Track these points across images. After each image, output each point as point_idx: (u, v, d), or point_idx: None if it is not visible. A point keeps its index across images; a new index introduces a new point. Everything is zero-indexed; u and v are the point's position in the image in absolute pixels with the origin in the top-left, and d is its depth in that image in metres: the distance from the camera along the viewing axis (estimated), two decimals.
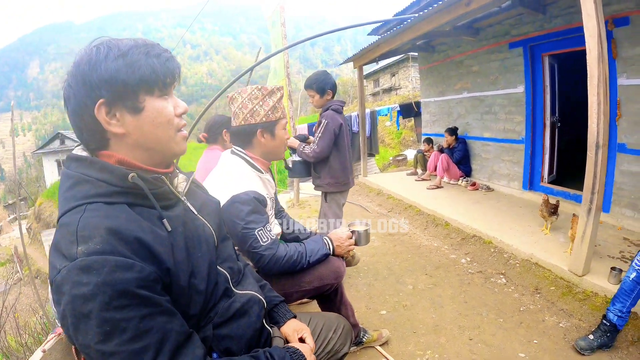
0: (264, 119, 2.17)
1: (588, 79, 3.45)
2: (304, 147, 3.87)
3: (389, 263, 4.72)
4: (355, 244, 2.51)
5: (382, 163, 14.74)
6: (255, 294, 1.56)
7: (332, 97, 3.96)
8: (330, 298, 2.57)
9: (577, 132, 7.20)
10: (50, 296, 2.27)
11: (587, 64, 3.45)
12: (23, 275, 14.69)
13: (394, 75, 29.65)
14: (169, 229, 1.18)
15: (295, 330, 1.72)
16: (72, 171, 1.12)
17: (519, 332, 3.24)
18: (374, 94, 32.29)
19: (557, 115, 6.70)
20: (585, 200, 3.61)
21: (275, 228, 2.43)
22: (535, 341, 3.11)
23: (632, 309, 2.90)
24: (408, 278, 4.29)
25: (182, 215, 1.28)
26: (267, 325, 1.61)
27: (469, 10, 4.89)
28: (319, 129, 3.76)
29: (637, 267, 2.81)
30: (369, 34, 9.84)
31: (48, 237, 12.07)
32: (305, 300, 3.44)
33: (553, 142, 6.76)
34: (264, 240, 2.04)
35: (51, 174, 33.41)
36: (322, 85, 3.86)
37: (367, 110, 11.10)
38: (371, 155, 11.93)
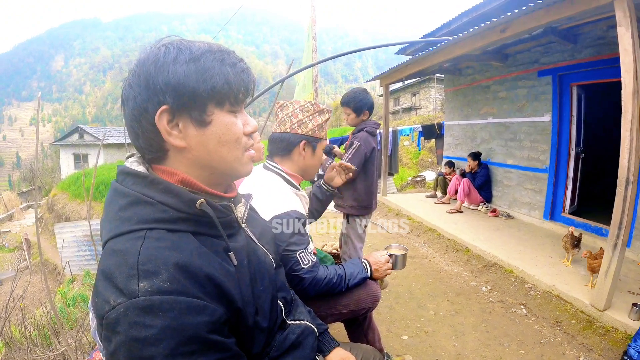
0: (309, 133, 2.15)
1: (622, 114, 3.46)
2: (330, 162, 3.73)
3: (410, 287, 4.71)
4: (392, 268, 2.46)
5: (400, 183, 14.71)
6: (310, 324, 1.48)
7: (368, 117, 3.83)
8: (359, 322, 2.54)
9: (600, 164, 7.17)
10: (92, 323, 2.23)
11: (622, 100, 3.46)
12: (31, 264, 14.81)
13: (414, 94, 29.62)
14: (236, 262, 1.07)
15: (343, 359, 1.66)
16: (128, 188, 1.00)
17: None
18: (394, 113, 32.24)
19: (582, 146, 6.67)
20: (612, 235, 3.60)
21: (310, 246, 2.37)
22: None
23: None
24: (429, 303, 4.29)
25: (245, 246, 1.17)
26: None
27: (504, 37, 4.93)
28: (350, 150, 3.63)
29: None
30: (396, 53, 9.90)
31: (61, 229, 12.10)
32: None
33: (576, 173, 6.72)
34: (305, 262, 1.97)
35: (67, 167, 33.26)
36: (360, 104, 3.69)
37: (390, 129, 11.12)
38: (391, 174, 11.90)
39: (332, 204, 4.04)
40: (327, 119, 2.23)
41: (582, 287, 4.22)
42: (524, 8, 4.27)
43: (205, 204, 1.01)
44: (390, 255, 2.44)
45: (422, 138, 12.46)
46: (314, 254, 2.09)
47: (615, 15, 3.49)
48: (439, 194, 9.38)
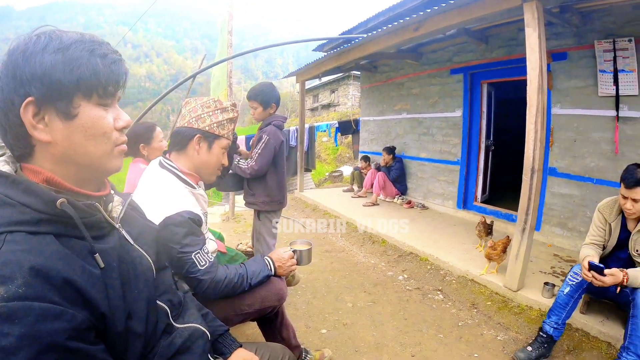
0: (206, 128, 2.07)
1: (527, 108, 3.68)
2: (238, 160, 3.64)
3: (327, 280, 4.67)
4: (297, 264, 2.42)
5: (318, 178, 14.78)
6: (199, 326, 1.44)
7: (275, 111, 3.78)
8: (271, 320, 2.49)
9: (509, 155, 7.60)
10: None
11: (527, 95, 3.68)
12: None
13: (333, 91, 29.88)
14: (102, 265, 1.01)
15: None
16: None
17: (459, 346, 3.31)
18: (313, 109, 32.39)
19: (491, 139, 7.08)
20: (520, 221, 3.83)
21: (209, 245, 2.28)
22: (475, 355, 3.19)
23: (567, 321, 3.07)
24: (347, 296, 4.26)
25: (117, 247, 1.12)
26: (211, 358, 1.49)
27: (417, 35, 5.06)
28: (259, 144, 3.55)
29: (570, 283, 3.02)
30: (313, 50, 9.90)
31: None
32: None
33: (487, 164, 7.13)
34: (201, 264, 1.92)
35: None
36: (267, 97, 3.66)
37: (306, 126, 11.11)
38: (308, 170, 11.92)
39: (243, 201, 3.93)
40: (232, 118, 2.18)
41: (491, 269, 4.41)
42: (436, 8, 4.39)
43: (66, 204, 0.95)
44: (294, 251, 2.40)
45: (339, 134, 12.59)
46: (226, 252, 2.01)
47: (524, 16, 3.69)
48: (355, 188, 9.49)
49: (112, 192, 1.21)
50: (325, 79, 28.29)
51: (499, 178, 7.98)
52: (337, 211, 7.52)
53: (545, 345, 3.05)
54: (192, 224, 1.93)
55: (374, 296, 4.25)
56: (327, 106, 30.38)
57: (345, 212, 7.29)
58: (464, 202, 7.21)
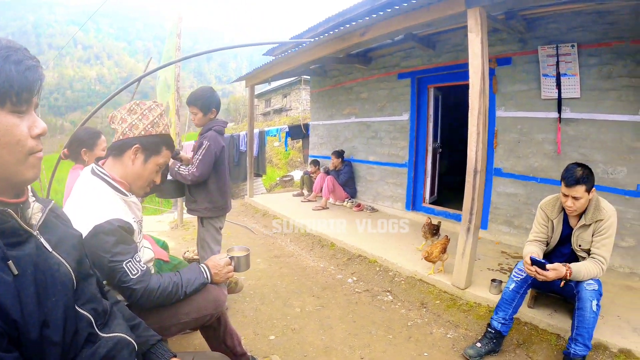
0: (142, 132, 2.03)
1: (469, 110, 3.77)
2: (179, 166, 3.52)
3: (275, 286, 4.59)
4: (235, 270, 2.38)
5: (269, 183, 14.69)
6: (124, 336, 1.40)
7: (216, 116, 3.70)
8: (214, 328, 2.43)
9: (458, 157, 7.77)
10: None
11: (470, 98, 3.77)
12: None
13: (285, 96, 29.94)
14: (16, 272, 0.99)
15: None
16: None
17: (409, 346, 3.32)
18: (265, 114, 32.33)
19: (439, 141, 7.22)
20: (465, 220, 3.90)
21: (145, 254, 2.24)
22: (425, 354, 3.21)
23: (515, 316, 3.16)
24: (295, 300, 4.20)
25: (33, 254, 1.09)
26: None
27: (363, 40, 5.09)
28: (200, 151, 3.45)
29: (515, 279, 3.09)
30: (264, 54, 9.86)
31: None
32: (187, 331, 3.20)
33: (434, 166, 7.28)
34: (133, 272, 1.86)
35: None
36: (207, 102, 3.57)
37: (256, 130, 11.03)
38: (258, 175, 11.84)
39: (186, 208, 3.82)
40: (160, 113, 2.13)
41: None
42: (382, 13, 4.43)
43: None
44: (231, 258, 2.36)
45: (290, 138, 12.56)
46: (169, 261, 1.93)
47: (468, 22, 3.76)
48: (305, 192, 9.46)
49: (33, 198, 1.20)
50: (277, 84, 28.32)
51: (448, 179, 8.15)
52: (286, 216, 7.43)
53: (494, 341, 3.11)
54: (123, 232, 1.88)
55: (323, 300, 4.21)
56: (280, 111, 30.42)
57: (295, 217, 7.22)
58: (413, 203, 7.30)
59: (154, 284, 1.93)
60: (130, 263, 1.85)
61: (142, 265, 1.93)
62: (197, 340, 3.19)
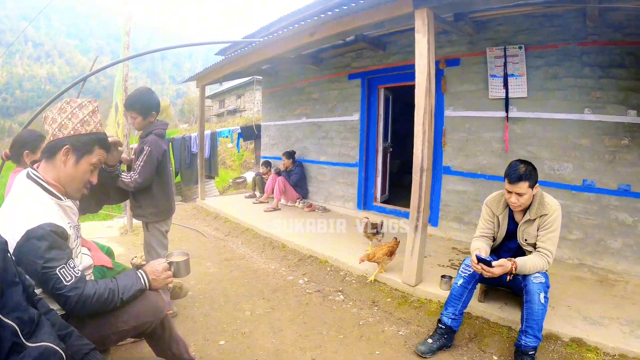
0: (71, 132, 1.97)
1: (415, 110, 3.83)
2: (120, 173, 3.35)
3: (225, 290, 4.49)
4: (175, 276, 2.32)
5: (222, 185, 14.51)
6: (51, 345, 1.37)
7: (155, 118, 3.55)
8: (158, 335, 2.36)
9: (408, 156, 7.90)
10: None
11: (416, 98, 3.83)
12: None
13: (239, 97, 29.74)
14: None
15: None
16: None
17: (361, 345, 3.31)
18: (219, 115, 32.02)
19: (389, 141, 7.33)
20: (412, 218, 3.95)
21: (84, 260, 2.15)
22: (377, 352, 3.21)
23: (465, 310, 3.22)
24: (245, 304, 4.11)
25: None
26: None
27: (313, 40, 5.08)
28: (141, 157, 3.32)
29: (463, 274, 3.13)
30: (216, 54, 9.77)
31: None
32: (130, 340, 3.07)
33: (385, 166, 7.38)
34: (67, 279, 1.79)
35: None
36: (146, 106, 3.41)
37: (208, 132, 10.86)
38: (210, 177, 11.66)
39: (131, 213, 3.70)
40: (92, 110, 2.07)
41: (390, 267, 4.48)
42: (330, 13, 4.45)
43: None
44: (169, 263, 2.30)
45: (242, 139, 12.43)
46: (112, 267, 1.85)
47: (415, 23, 3.81)
48: (257, 193, 9.38)
49: None
50: (231, 84, 28.08)
51: (400, 178, 8.26)
52: (238, 218, 7.31)
53: (446, 336, 3.15)
54: (56, 237, 1.82)
55: (274, 302, 4.15)
56: (233, 112, 30.19)
57: (246, 219, 7.11)
58: (364, 203, 7.36)
59: (89, 290, 1.86)
60: (64, 269, 1.79)
61: (77, 271, 1.87)
62: (147, 348, 3.08)
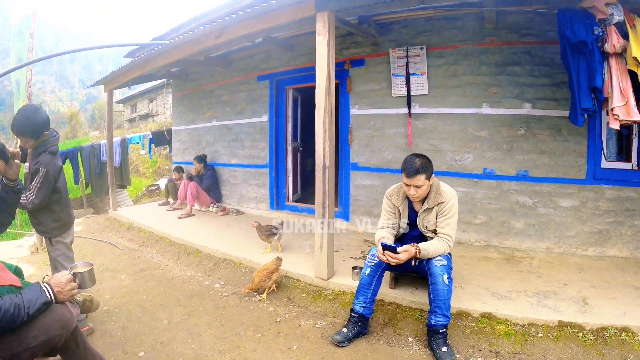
0: None
1: (316, 109, 3.96)
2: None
3: (141, 301, 4.38)
4: (81, 287, 2.30)
5: (135, 194, 14.00)
6: None
7: (47, 136, 3.36)
8: (72, 351, 2.30)
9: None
10: None
11: (316, 97, 3.95)
12: None
13: (152, 101, 28.60)
14: None
15: None
16: None
17: (278, 341, 3.39)
18: (131, 120, 30.62)
19: (299, 141, 7.47)
20: (318, 214, 4.12)
21: None
22: (295, 346, 3.30)
23: (376, 298, 3.38)
24: (162, 313, 4.05)
25: None
26: None
27: (219, 42, 5.08)
28: (38, 178, 3.18)
29: (369, 264, 3.30)
30: (124, 57, 9.43)
31: None
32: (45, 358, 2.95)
33: (295, 165, 7.52)
34: None
35: None
36: (37, 128, 3.22)
37: (117, 138, 10.45)
38: (122, 186, 11.23)
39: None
40: None
41: (305, 264, 4.64)
42: (235, 16, 4.49)
43: None
44: (74, 274, 2.28)
45: (153, 145, 12.06)
46: (21, 286, 1.79)
47: (316, 25, 3.91)
48: (170, 200, 9.11)
49: None
50: (143, 88, 27.04)
51: (313, 177, 8.39)
52: (151, 227, 7.10)
53: (360, 324, 3.31)
54: None
55: (190, 309, 4.12)
56: (146, 116, 29.03)
57: (160, 227, 6.93)
58: (277, 203, 7.47)
59: None
60: None
61: None
62: None
